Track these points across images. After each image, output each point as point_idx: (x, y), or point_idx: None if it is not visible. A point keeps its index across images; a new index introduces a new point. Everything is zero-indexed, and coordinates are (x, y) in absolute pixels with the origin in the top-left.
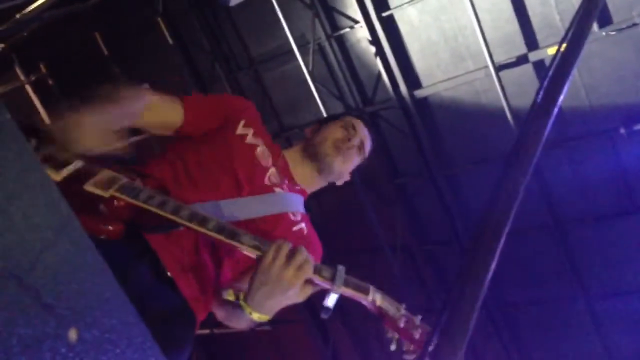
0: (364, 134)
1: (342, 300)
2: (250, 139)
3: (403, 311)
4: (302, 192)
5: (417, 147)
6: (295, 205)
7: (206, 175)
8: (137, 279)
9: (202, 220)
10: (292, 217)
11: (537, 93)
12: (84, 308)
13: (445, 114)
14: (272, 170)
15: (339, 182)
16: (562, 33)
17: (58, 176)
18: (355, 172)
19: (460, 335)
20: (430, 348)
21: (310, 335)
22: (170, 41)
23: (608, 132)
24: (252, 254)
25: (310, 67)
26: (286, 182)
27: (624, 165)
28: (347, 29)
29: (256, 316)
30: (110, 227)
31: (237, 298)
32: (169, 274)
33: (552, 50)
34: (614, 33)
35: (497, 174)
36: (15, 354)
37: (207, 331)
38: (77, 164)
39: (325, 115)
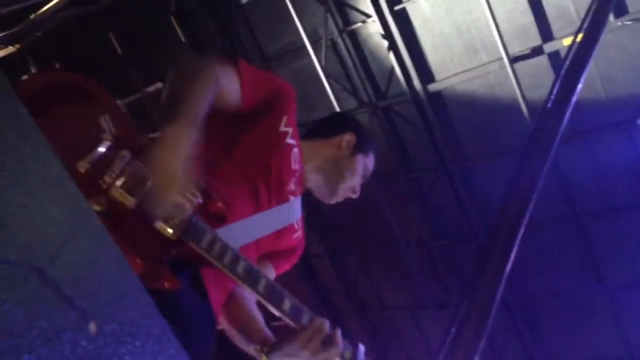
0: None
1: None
2: (289, 139)
3: None
4: (302, 191)
5: (431, 141)
6: (299, 211)
7: (245, 179)
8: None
9: (254, 279)
10: (295, 227)
11: (554, 84)
12: (103, 301)
13: (459, 107)
14: (297, 175)
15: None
16: (578, 23)
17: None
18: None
19: (479, 326)
20: (450, 339)
21: None
22: (183, 39)
23: (624, 123)
24: (290, 322)
25: (322, 63)
26: (299, 188)
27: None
28: (360, 24)
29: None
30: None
31: (263, 345)
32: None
33: (567, 41)
34: (630, 23)
35: (512, 166)
36: (36, 346)
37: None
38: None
39: (338, 109)
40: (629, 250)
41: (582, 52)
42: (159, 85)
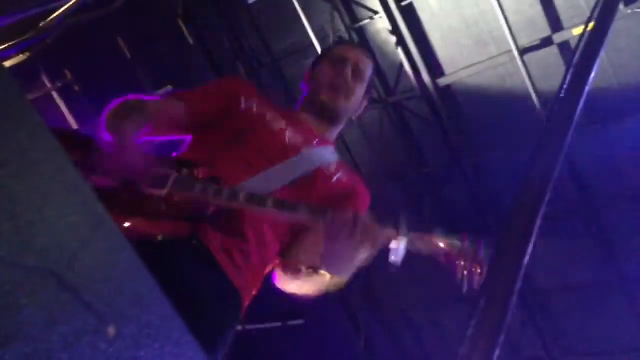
0: (355, 57)
1: (370, 288)
2: (256, 109)
3: (465, 243)
4: (327, 142)
5: (443, 135)
6: (326, 157)
7: (234, 155)
8: (181, 266)
9: (259, 200)
10: (326, 171)
11: (566, 74)
12: (121, 304)
13: (470, 100)
14: (289, 130)
15: (357, 115)
16: (587, 13)
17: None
18: (381, 164)
19: (499, 320)
20: (470, 333)
21: (342, 327)
22: (191, 42)
23: (637, 111)
24: (314, 221)
25: None
26: (307, 138)
27: None
28: (367, 20)
29: (336, 280)
30: (171, 226)
31: (314, 270)
32: (215, 257)
33: (577, 31)
34: (639, 10)
35: (525, 158)
36: (56, 350)
37: (239, 328)
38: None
39: None
40: None
41: (594, 42)
42: (170, 88)
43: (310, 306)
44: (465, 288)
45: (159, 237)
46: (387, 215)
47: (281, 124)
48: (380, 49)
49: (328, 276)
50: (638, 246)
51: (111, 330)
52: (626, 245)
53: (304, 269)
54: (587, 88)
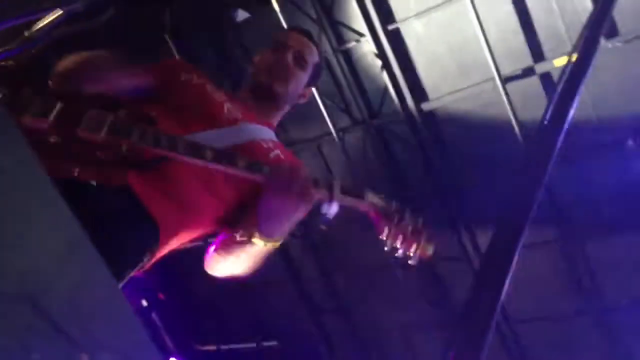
0: (298, 44)
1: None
2: (196, 80)
3: (404, 213)
4: (268, 124)
5: (425, 159)
6: (265, 134)
7: (172, 116)
8: (109, 213)
9: (198, 150)
10: (264, 145)
11: (547, 107)
12: (96, 331)
13: (453, 126)
14: (228, 105)
15: (302, 101)
16: (569, 45)
17: (45, 121)
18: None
19: (476, 347)
20: None
21: (316, 349)
22: (178, 57)
23: (615, 144)
24: (252, 175)
25: None
26: (247, 115)
27: (632, 177)
28: (353, 43)
29: (270, 245)
30: (104, 171)
31: (249, 237)
32: (145, 205)
33: (558, 62)
34: (620, 44)
35: (505, 187)
36: None
37: (213, 347)
38: (59, 105)
39: (332, 128)
40: (622, 272)
41: (575, 75)
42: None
43: (285, 327)
44: (388, 249)
45: (93, 182)
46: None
47: (221, 97)
48: (366, 72)
49: (262, 243)
50: (614, 277)
51: (84, 358)
52: (602, 277)
53: (237, 235)
54: (567, 121)
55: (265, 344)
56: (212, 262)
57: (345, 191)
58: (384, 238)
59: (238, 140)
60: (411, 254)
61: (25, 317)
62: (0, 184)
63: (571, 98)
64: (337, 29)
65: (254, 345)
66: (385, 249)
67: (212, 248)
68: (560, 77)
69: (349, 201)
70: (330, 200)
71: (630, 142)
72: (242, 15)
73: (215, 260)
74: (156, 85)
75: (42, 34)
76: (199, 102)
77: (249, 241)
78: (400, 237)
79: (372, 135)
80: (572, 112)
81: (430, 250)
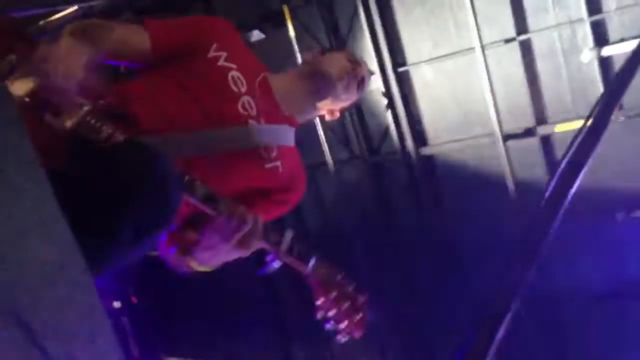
0: (367, 73)
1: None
2: (222, 61)
3: (347, 287)
4: (288, 120)
5: (417, 203)
6: (273, 139)
7: (175, 104)
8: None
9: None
10: (264, 154)
11: (549, 182)
12: (76, 350)
13: (449, 174)
14: (246, 98)
15: (328, 117)
16: (573, 112)
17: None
18: (349, 220)
19: None
20: None
21: None
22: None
23: (605, 216)
24: (205, 208)
25: None
26: (266, 111)
27: (619, 250)
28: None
29: (201, 268)
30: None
31: (184, 253)
32: None
33: (559, 128)
34: (622, 119)
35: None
36: None
37: None
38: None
39: (330, 158)
40: (606, 343)
41: (582, 152)
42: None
43: (252, 348)
44: (319, 317)
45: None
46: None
47: (241, 88)
48: (370, 108)
49: (194, 264)
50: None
51: None
52: (586, 346)
53: (176, 252)
54: (567, 202)
55: None
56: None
57: (291, 251)
58: (319, 305)
59: (236, 145)
60: (340, 330)
61: (8, 330)
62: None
63: (575, 177)
64: None
65: None
66: (318, 316)
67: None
68: (567, 151)
69: (292, 262)
70: (274, 256)
71: (619, 216)
72: (257, 35)
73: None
74: (176, 49)
75: (56, 26)
76: (209, 92)
77: (186, 258)
78: (334, 310)
79: (368, 171)
80: (571, 195)
81: (359, 333)
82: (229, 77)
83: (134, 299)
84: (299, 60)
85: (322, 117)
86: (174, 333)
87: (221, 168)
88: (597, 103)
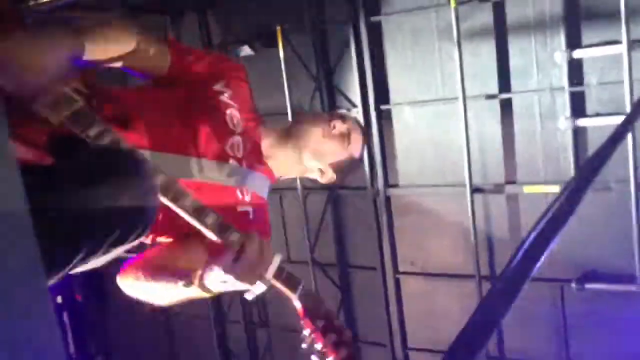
0: (357, 148)
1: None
2: (224, 97)
3: (334, 319)
4: (267, 172)
5: (377, 243)
6: (249, 184)
7: (169, 122)
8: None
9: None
10: (239, 195)
11: (517, 251)
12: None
13: (413, 216)
14: (237, 138)
15: (322, 179)
16: (543, 175)
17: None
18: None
19: None
20: None
21: None
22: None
23: (559, 283)
24: (213, 237)
25: None
26: (251, 157)
27: (567, 318)
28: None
29: (203, 294)
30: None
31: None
32: None
33: (528, 189)
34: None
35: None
36: None
37: None
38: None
39: (298, 184)
40: None
41: (553, 225)
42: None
43: None
44: (304, 348)
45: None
46: None
47: (235, 128)
48: None
49: (198, 290)
50: None
51: None
52: None
53: (180, 282)
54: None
55: None
56: (130, 279)
57: (279, 275)
58: (306, 335)
59: (209, 178)
60: None
61: None
62: None
63: (547, 242)
64: (333, 92)
65: None
66: (303, 345)
67: (137, 263)
68: (543, 215)
69: (280, 286)
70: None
71: (573, 285)
72: (245, 51)
73: (136, 278)
74: (187, 77)
75: (44, 10)
76: (204, 120)
77: (187, 281)
78: (320, 343)
79: (335, 203)
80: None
81: None
82: (227, 113)
83: (78, 297)
84: (284, 82)
85: (314, 181)
86: (113, 337)
87: (197, 197)
88: (565, 188)
